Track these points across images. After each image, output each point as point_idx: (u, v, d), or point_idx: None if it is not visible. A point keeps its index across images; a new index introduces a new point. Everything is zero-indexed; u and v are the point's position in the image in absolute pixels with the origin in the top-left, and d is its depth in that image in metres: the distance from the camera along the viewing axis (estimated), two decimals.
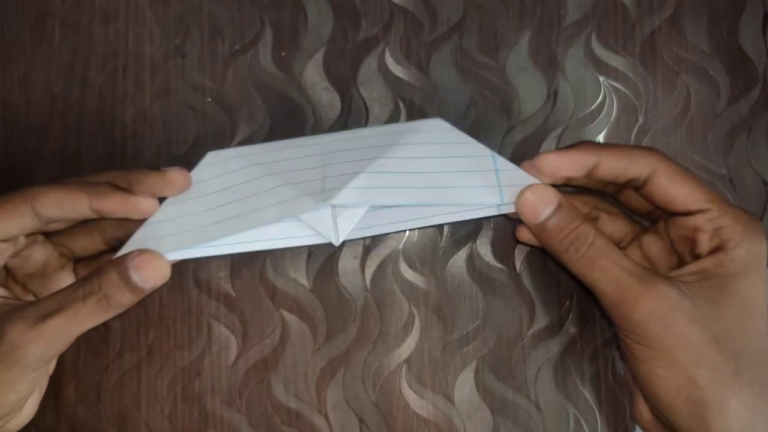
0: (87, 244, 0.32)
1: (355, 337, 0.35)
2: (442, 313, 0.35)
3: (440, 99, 0.35)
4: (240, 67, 0.35)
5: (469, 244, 0.35)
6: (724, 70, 0.36)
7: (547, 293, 0.35)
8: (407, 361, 0.35)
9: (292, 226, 0.30)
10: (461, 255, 0.35)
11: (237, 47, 0.35)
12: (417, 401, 0.35)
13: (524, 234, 0.32)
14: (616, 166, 0.29)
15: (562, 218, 0.29)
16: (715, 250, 0.28)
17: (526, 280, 0.35)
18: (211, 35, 0.35)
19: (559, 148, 0.30)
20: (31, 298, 0.31)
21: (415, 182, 0.30)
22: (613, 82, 0.35)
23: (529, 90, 0.35)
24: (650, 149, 0.29)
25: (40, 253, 0.31)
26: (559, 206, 0.29)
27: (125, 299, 0.28)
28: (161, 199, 0.30)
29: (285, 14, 0.35)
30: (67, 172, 0.34)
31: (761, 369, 0.27)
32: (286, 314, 0.35)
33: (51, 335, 0.27)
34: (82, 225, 0.31)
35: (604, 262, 0.28)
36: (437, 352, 0.35)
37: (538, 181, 0.29)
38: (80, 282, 0.28)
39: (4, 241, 0.29)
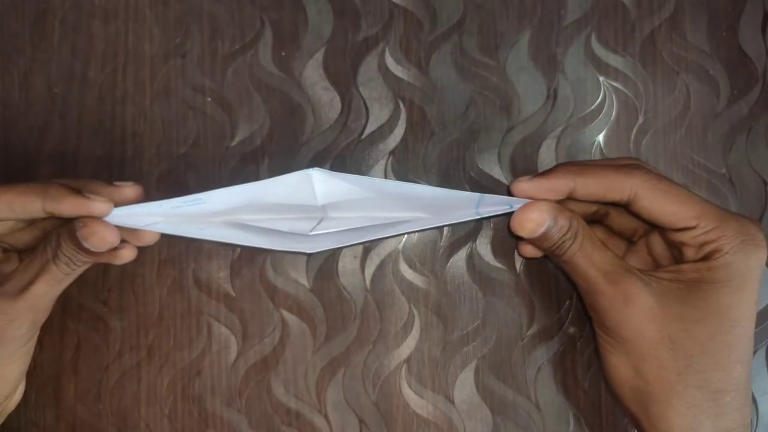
0: (28, 239, 0.32)
1: (355, 337, 0.35)
2: (442, 313, 0.35)
3: (440, 99, 0.35)
4: (240, 67, 0.35)
5: (469, 244, 0.35)
6: (724, 70, 0.36)
7: (547, 293, 0.35)
8: (407, 361, 0.35)
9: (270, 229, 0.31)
10: (461, 255, 0.35)
11: (237, 47, 0.35)
12: (417, 401, 0.35)
13: (528, 250, 0.33)
14: (592, 192, 0.29)
15: (551, 231, 0.29)
16: (700, 260, 0.28)
17: (526, 280, 0.35)
18: (211, 35, 0.35)
19: (537, 173, 0.30)
20: None
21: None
22: (613, 82, 0.35)
23: (529, 90, 0.35)
24: (632, 169, 0.29)
25: None
26: (548, 227, 0.29)
27: (87, 259, 0.29)
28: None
29: (285, 14, 0.35)
30: (66, 171, 0.34)
31: (719, 374, 0.27)
32: (286, 314, 0.35)
33: (36, 301, 0.29)
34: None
35: (579, 259, 0.29)
36: (437, 352, 0.35)
37: (522, 201, 0.29)
38: (44, 246, 0.29)
39: None
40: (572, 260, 0.29)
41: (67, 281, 0.30)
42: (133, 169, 0.35)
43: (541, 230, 0.29)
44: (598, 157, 0.35)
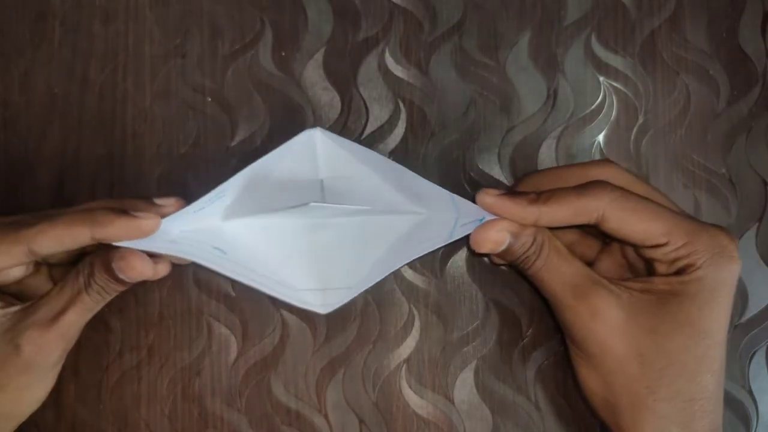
0: (63, 255, 0.31)
1: (355, 337, 0.35)
2: (442, 313, 0.35)
3: (440, 99, 0.35)
4: (240, 67, 0.35)
5: (469, 244, 0.35)
6: (724, 70, 0.36)
7: (545, 302, 0.35)
8: (407, 361, 0.35)
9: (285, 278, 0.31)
10: (461, 255, 0.35)
11: (237, 47, 0.35)
12: (417, 401, 0.35)
13: (497, 259, 0.33)
14: (558, 219, 0.28)
15: (512, 247, 0.29)
16: (672, 274, 0.28)
17: (526, 280, 0.35)
18: (211, 35, 0.35)
19: (507, 192, 0.29)
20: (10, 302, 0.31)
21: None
22: (613, 82, 0.35)
23: (529, 90, 0.35)
24: (597, 189, 0.28)
25: (19, 269, 0.30)
26: (509, 243, 0.29)
27: (119, 288, 0.29)
28: None
29: (285, 14, 0.35)
30: (67, 171, 0.34)
31: (689, 385, 0.28)
32: (286, 314, 0.35)
33: (67, 330, 0.29)
34: None
35: (544, 273, 0.29)
36: (437, 352, 0.35)
37: (490, 216, 0.29)
38: (77, 273, 0.29)
39: None
40: (538, 274, 0.29)
41: (97, 308, 0.30)
42: (133, 169, 0.35)
43: (501, 248, 0.28)
44: (597, 157, 0.35)
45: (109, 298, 0.30)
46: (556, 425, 0.35)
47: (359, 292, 0.30)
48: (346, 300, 0.30)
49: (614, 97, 0.35)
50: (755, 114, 0.35)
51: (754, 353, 0.35)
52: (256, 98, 0.35)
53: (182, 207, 0.29)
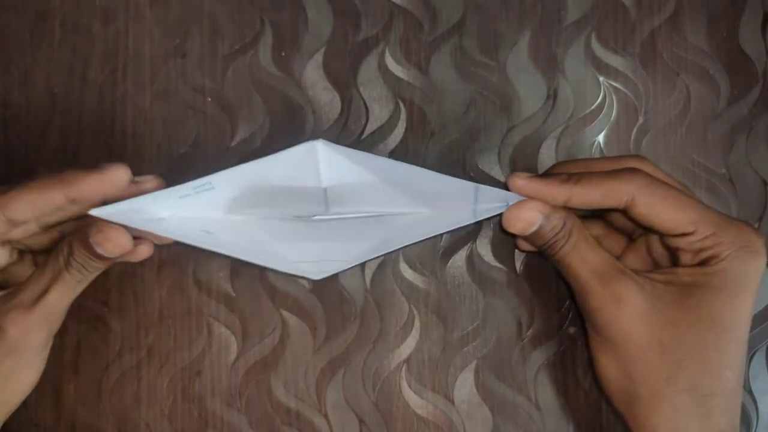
0: (46, 241, 0.31)
1: (355, 337, 0.35)
2: (442, 313, 0.35)
3: (440, 99, 0.35)
4: (240, 67, 0.35)
5: (469, 244, 0.35)
6: (724, 70, 0.36)
7: (547, 293, 0.35)
8: (407, 361, 0.35)
9: (277, 249, 0.32)
10: (461, 255, 0.35)
11: (237, 47, 0.35)
12: (417, 401, 0.35)
13: (524, 244, 0.33)
14: (589, 201, 0.28)
15: (543, 229, 0.29)
16: (696, 265, 0.28)
17: (526, 280, 0.35)
18: (211, 35, 0.35)
19: (538, 174, 0.29)
20: None
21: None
22: (613, 82, 0.35)
23: (529, 90, 0.35)
24: (629, 174, 0.28)
25: (1, 255, 0.30)
26: (540, 225, 0.29)
27: (101, 264, 0.29)
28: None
29: (285, 14, 0.35)
30: None
31: (708, 379, 0.28)
32: (286, 314, 0.35)
33: (51, 310, 0.29)
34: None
35: (571, 259, 0.29)
36: (437, 352, 0.35)
37: (518, 197, 0.29)
38: (56, 254, 0.29)
39: None
40: (565, 260, 0.29)
41: (80, 288, 0.30)
42: (133, 169, 0.35)
43: (533, 229, 0.29)
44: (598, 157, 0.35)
45: (91, 277, 0.30)
46: (556, 425, 0.35)
47: (354, 264, 0.31)
48: (340, 269, 0.31)
49: (614, 97, 0.35)
50: (755, 114, 0.35)
51: (754, 353, 0.35)
52: (256, 98, 0.35)
53: (161, 186, 0.29)
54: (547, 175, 0.29)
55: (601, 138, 0.35)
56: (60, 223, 0.30)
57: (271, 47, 0.35)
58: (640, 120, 0.35)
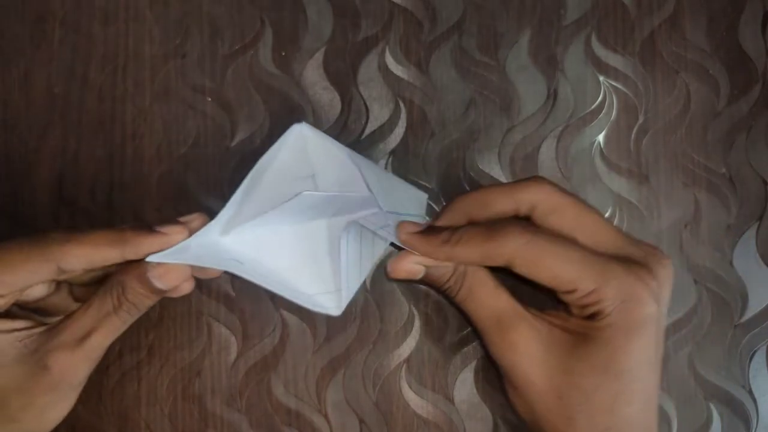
0: (86, 278, 0.31)
1: (355, 337, 0.35)
2: (442, 313, 0.35)
3: (440, 99, 0.35)
4: (240, 67, 0.35)
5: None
6: (724, 70, 0.36)
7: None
8: (407, 361, 0.35)
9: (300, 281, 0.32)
10: None
11: (237, 47, 0.35)
12: (417, 401, 0.35)
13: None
14: (470, 261, 0.29)
15: (431, 276, 0.29)
16: (585, 317, 0.28)
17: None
18: (211, 35, 0.35)
19: (428, 227, 0.29)
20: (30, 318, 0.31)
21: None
22: (613, 82, 0.35)
23: (529, 90, 0.35)
24: (508, 232, 0.28)
25: (42, 287, 0.31)
26: (426, 273, 0.29)
27: (150, 302, 0.30)
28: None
29: (285, 14, 0.35)
30: (67, 172, 0.34)
31: (607, 417, 0.28)
32: (286, 314, 0.35)
33: (93, 352, 0.29)
34: None
35: (468, 305, 0.29)
36: (437, 352, 0.35)
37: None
38: (104, 294, 0.29)
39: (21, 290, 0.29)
40: (462, 305, 0.30)
41: (124, 328, 0.30)
42: (133, 169, 0.35)
43: (419, 276, 0.29)
44: (597, 158, 0.35)
45: (136, 317, 0.30)
46: None
47: (358, 288, 0.32)
48: (351, 297, 0.31)
49: (614, 96, 0.35)
50: (755, 113, 0.35)
51: (754, 353, 0.35)
52: (256, 98, 0.35)
53: (206, 222, 0.29)
54: (431, 230, 0.29)
55: (601, 137, 0.35)
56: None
57: (271, 47, 0.35)
58: (640, 119, 0.35)
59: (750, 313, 0.35)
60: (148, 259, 0.28)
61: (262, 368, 0.34)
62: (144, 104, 0.35)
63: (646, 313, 0.28)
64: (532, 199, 0.29)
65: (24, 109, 0.35)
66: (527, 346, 0.28)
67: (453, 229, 0.29)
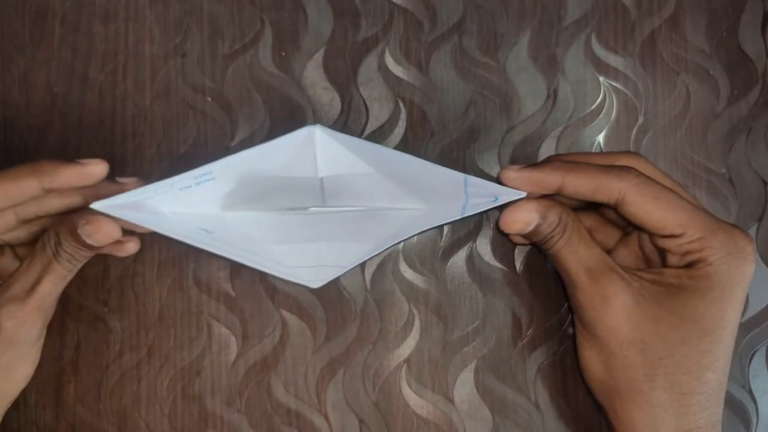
0: (24, 235, 0.31)
1: (355, 337, 0.35)
2: (442, 313, 0.35)
3: (440, 99, 0.35)
4: (240, 67, 0.35)
5: (469, 244, 0.35)
6: (724, 70, 0.36)
7: (547, 293, 0.35)
8: (407, 361, 0.35)
9: (275, 251, 0.32)
10: (461, 255, 0.35)
11: (237, 47, 0.35)
12: (417, 401, 0.35)
13: (518, 238, 0.33)
14: (580, 191, 0.29)
15: (540, 227, 0.29)
16: (682, 267, 0.28)
17: (526, 280, 0.35)
18: (211, 35, 0.35)
19: (529, 164, 0.29)
20: None
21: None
22: (613, 82, 0.35)
23: (529, 90, 0.35)
24: (623, 171, 0.28)
25: None
26: (537, 224, 0.29)
27: (89, 253, 0.30)
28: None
29: (285, 14, 0.35)
30: None
31: (687, 378, 0.28)
32: (286, 314, 0.35)
33: (44, 301, 0.29)
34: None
35: (564, 253, 0.29)
36: (437, 352, 0.35)
37: (508, 191, 0.29)
38: (43, 245, 0.29)
39: None
40: (558, 254, 0.29)
41: (70, 276, 0.30)
42: (134, 168, 0.35)
43: (530, 228, 0.29)
44: None
45: (80, 265, 0.30)
46: (556, 425, 0.35)
47: (350, 268, 0.31)
48: (337, 275, 0.31)
49: (614, 97, 0.35)
50: (755, 114, 0.35)
51: (754, 353, 0.35)
52: (256, 98, 0.35)
53: (141, 185, 0.29)
54: (538, 163, 0.29)
55: (601, 138, 0.35)
56: (39, 218, 0.31)
57: (271, 47, 0.35)
58: (640, 120, 0.35)
59: (750, 314, 0.35)
60: (92, 205, 0.27)
61: (262, 368, 0.34)
62: (144, 103, 0.35)
63: (746, 270, 0.28)
64: (631, 165, 0.29)
65: (24, 108, 0.35)
66: (617, 296, 0.28)
67: (564, 160, 0.29)
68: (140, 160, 0.35)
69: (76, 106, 0.35)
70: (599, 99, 0.35)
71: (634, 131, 0.35)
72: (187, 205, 0.30)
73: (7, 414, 0.32)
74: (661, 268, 0.29)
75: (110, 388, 0.34)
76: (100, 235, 0.28)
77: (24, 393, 0.33)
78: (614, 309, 0.28)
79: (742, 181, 0.35)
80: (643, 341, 0.28)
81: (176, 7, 0.35)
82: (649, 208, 0.28)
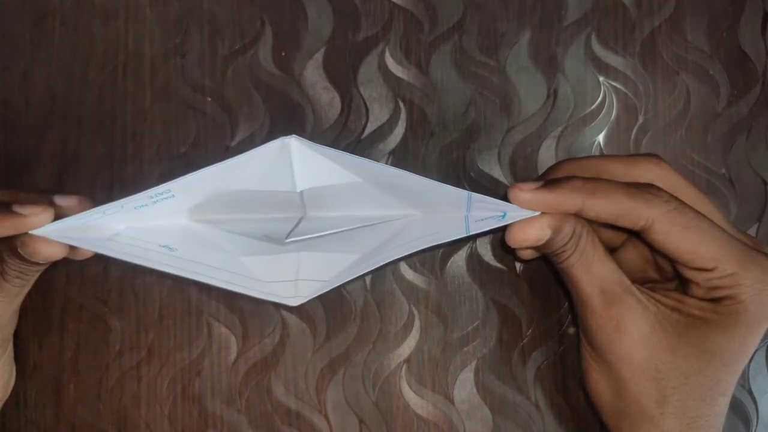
0: None
1: (355, 337, 0.35)
2: (442, 313, 0.35)
3: (440, 99, 0.35)
4: (240, 67, 0.35)
5: (469, 244, 0.35)
6: (724, 70, 0.36)
7: (547, 293, 0.35)
8: (407, 361, 0.35)
9: (247, 267, 0.29)
10: (461, 255, 0.35)
11: (237, 47, 0.35)
12: (417, 401, 0.35)
13: (526, 254, 0.32)
14: (602, 217, 0.26)
15: (552, 241, 0.27)
16: (708, 300, 0.27)
17: (526, 280, 0.35)
18: (211, 35, 0.35)
19: (542, 182, 0.26)
20: None
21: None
22: (613, 82, 0.35)
23: (529, 90, 0.35)
24: (651, 195, 0.25)
25: None
26: (549, 238, 0.26)
27: (37, 269, 0.28)
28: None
29: (285, 14, 0.35)
30: (66, 171, 0.34)
31: (698, 404, 0.27)
32: (286, 314, 0.35)
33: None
34: None
35: (577, 270, 0.27)
36: (437, 352, 0.35)
37: (516, 208, 0.26)
38: None
39: None
40: (569, 270, 0.27)
41: (25, 290, 0.29)
42: (134, 168, 0.35)
43: (540, 243, 0.27)
44: None
45: (33, 279, 0.29)
46: (556, 425, 0.35)
47: (336, 285, 0.28)
48: (320, 293, 0.28)
49: (614, 97, 0.35)
50: (755, 114, 0.35)
51: (754, 353, 0.35)
52: (256, 98, 0.35)
53: (87, 208, 0.27)
54: (553, 182, 0.26)
55: (601, 138, 0.35)
56: None
57: (271, 47, 0.35)
58: (640, 120, 0.35)
59: None
60: (31, 232, 0.26)
61: (262, 368, 0.34)
62: (144, 103, 0.35)
63: None
64: (650, 176, 0.27)
65: (24, 108, 0.35)
66: (632, 323, 0.26)
67: (584, 179, 0.26)
68: (140, 160, 0.35)
69: (76, 107, 0.35)
70: (599, 99, 0.35)
71: (634, 131, 0.35)
72: (147, 219, 0.28)
73: (7, 414, 0.32)
74: (682, 296, 0.27)
75: (110, 388, 0.34)
76: (41, 256, 0.26)
77: (24, 393, 0.33)
78: (629, 338, 0.26)
79: (742, 181, 0.35)
80: (658, 369, 0.26)
81: (176, 7, 0.35)
82: (679, 238, 0.25)
